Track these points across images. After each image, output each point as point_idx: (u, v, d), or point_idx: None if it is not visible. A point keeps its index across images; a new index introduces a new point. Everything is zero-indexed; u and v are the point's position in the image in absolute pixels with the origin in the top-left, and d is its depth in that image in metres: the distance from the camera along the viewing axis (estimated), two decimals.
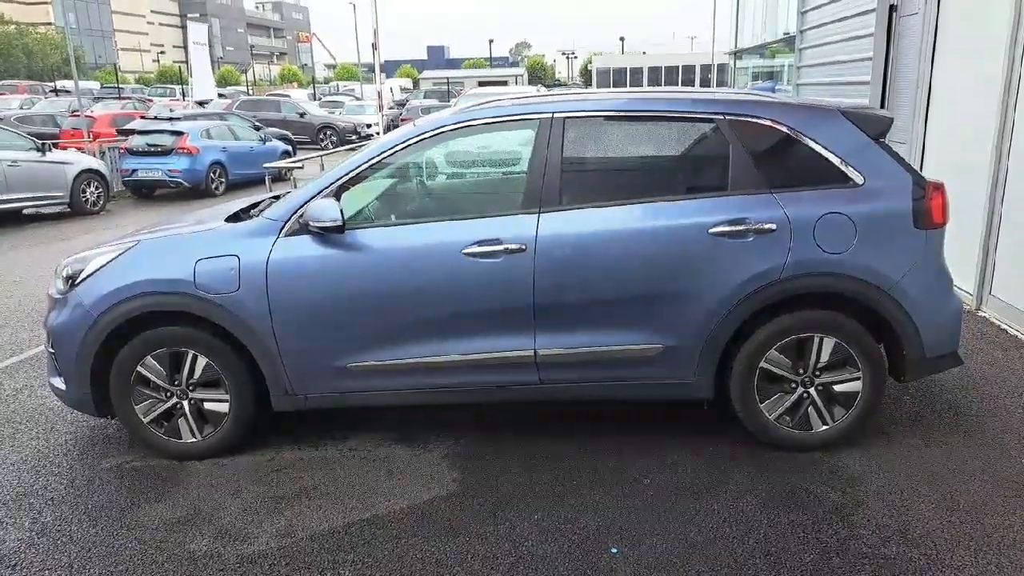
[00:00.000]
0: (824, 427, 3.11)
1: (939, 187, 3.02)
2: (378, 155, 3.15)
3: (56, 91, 30.55)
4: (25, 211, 10.06)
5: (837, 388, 3.07)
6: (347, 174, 3.11)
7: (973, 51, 5.15)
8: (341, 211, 2.94)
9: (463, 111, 3.27)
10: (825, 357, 3.03)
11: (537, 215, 2.98)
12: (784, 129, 3.02)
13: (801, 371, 3.06)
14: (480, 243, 2.96)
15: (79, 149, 11.97)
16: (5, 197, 9.38)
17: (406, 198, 3.79)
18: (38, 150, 9.87)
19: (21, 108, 21.84)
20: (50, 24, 65.65)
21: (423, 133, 3.15)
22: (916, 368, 3.08)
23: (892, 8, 6.32)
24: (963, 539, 2.54)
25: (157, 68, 65.60)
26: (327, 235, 3.00)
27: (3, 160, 9.31)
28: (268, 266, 3.00)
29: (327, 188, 3.07)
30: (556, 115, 3.09)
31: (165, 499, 2.93)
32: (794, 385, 3.08)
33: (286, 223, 3.05)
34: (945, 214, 3.03)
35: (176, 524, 2.76)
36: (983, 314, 4.90)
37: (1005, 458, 3.06)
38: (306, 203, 3.03)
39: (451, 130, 3.17)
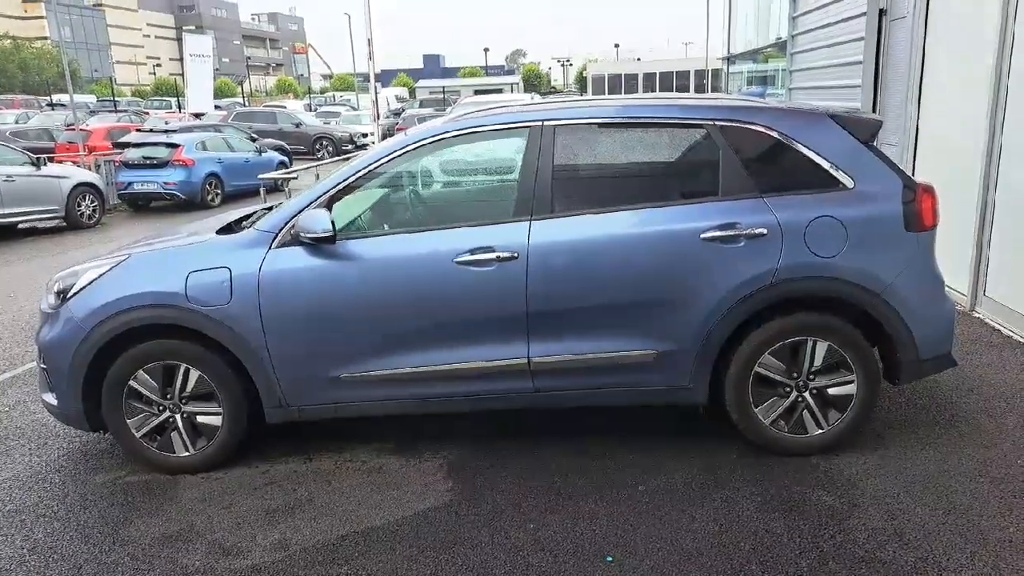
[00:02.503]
0: (819, 431, 3.10)
1: (929, 190, 3.03)
2: (369, 165, 3.15)
3: (52, 105, 30.62)
4: (20, 225, 10.05)
5: (831, 392, 3.07)
6: (338, 184, 3.11)
7: (963, 53, 5.19)
8: (332, 221, 2.94)
9: (454, 120, 3.28)
10: (819, 361, 3.03)
11: (529, 223, 2.99)
12: (774, 134, 3.03)
13: (795, 375, 3.06)
14: (472, 251, 2.95)
15: (74, 163, 11.98)
16: (0, 212, 9.37)
17: (398, 207, 3.79)
18: (33, 164, 9.88)
19: (16, 122, 21.88)
20: (46, 38, 65.82)
21: (414, 143, 3.16)
22: (910, 371, 3.08)
23: (882, 12, 6.36)
24: (959, 542, 2.53)
25: (153, 81, 65.75)
26: (319, 246, 3.00)
27: None
28: (260, 278, 2.99)
29: (318, 199, 3.08)
30: (547, 123, 3.10)
31: (158, 514, 2.92)
32: (788, 389, 3.08)
33: (278, 234, 3.05)
34: (935, 216, 3.04)
35: (169, 539, 2.74)
36: (977, 315, 4.91)
37: (1001, 460, 3.06)
38: (297, 214, 3.03)
39: (442, 139, 3.17)
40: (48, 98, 35.91)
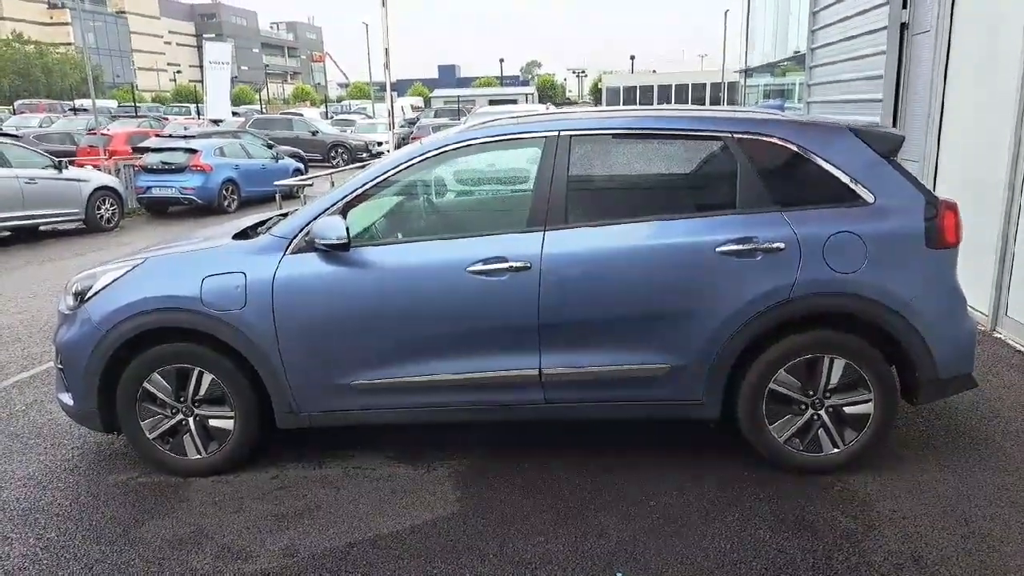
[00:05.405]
0: (835, 450, 3.05)
1: (952, 206, 2.99)
2: (384, 173, 3.16)
3: (75, 110, 31.14)
4: (42, 227, 10.21)
5: (848, 410, 3.02)
6: (353, 192, 3.12)
7: (987, 68, 5.13)
8: (347, 229, 2.95)
9: (469, 130, 3.28)
10: (835, 378, 2.98)
11: (542, 233, 2.98)
12: (793, 147, 3.00)
13: (811, 392, 3.01)
14: (485, 261, 2.95)
15: (95, 167, 12.16)
16: (22, 213, 9.53)
17: (412, 216, 3.80)
18: (55, 167, 10.04)
19: (40, 126, 22.25)
20: (70, 44, 67.13)
21: (429, 152, 3.17)
22: (929, 391, 3.02)
23: (903, 26, 6.31)
24: (978, 567, 2.47)
25: (173, 87, 66.78)
26: (333, 252, 3.01)
27: (21, 177, 9.47)
28: (274, 283, 3.01)
29: (333, 206, 3.09)
30: (562, 133, 3.10)
31: (169, 516, 2.92)
32: (804, 407, 3.03)
33: (292, 240, 3.07)
34: (958, 234, 2.99)
35: (179, 541, 2.75)
36: (998, 335, 4.82)
37: (1022, 482, 2.99)
38: (312, 221, 3.05)
39: (457, 149, 3.18)
40: (71, 103, 36.51)
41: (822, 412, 3.03)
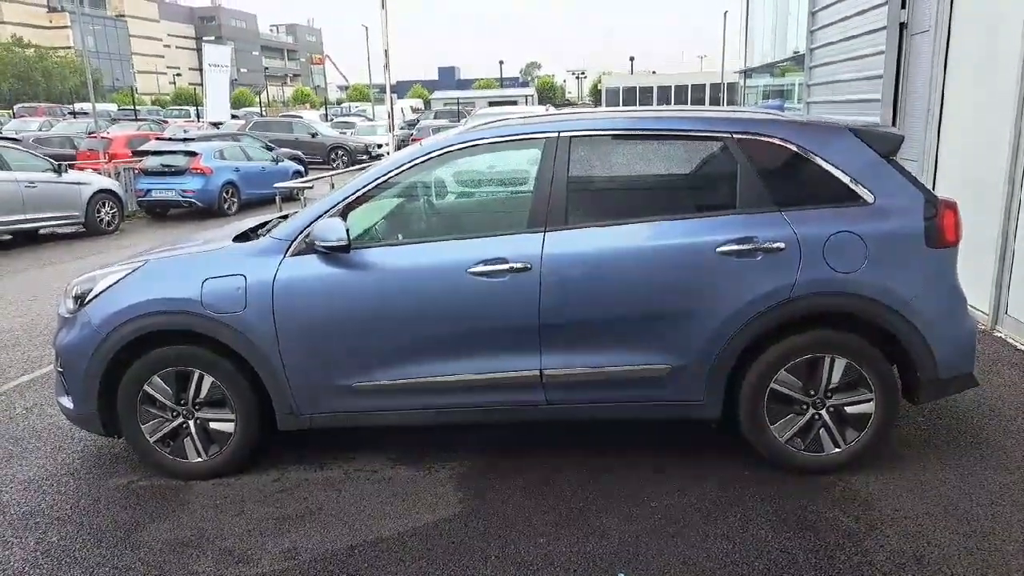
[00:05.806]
0: (836, 450, 3.05)
1: (951, 205, 2.99)
2: (384, 175, 3.16)
3: (74, 113, 31.16)
4: (41, 231, 10.21)
5: (849, 410, 3.02)
6: (353, 194, 3.12)
7: (986, 67, 5.13)
8: (347, 230, 2.95)
9: (469, 131, 3.29)
10: (836, 378, 2.98)
11: (543, 234, 2.98)
12: (793, 147, 3.01)
13: (812, 392, 3.01)
14: (485, 262, 2.95)
15: (95, 170, 12.16)
16: (22, 217, 9.53)
17: (412, 217, 3.80)
18: (55, 171, 10.03)
19: (40, 130, 22.26)
20: (70, 48, 67.19)
21: (429, 153, 3.17)
22: (930, 390, 3.02)
23: (902, 26, 6.32)
24: (980, 566, 2.47)
25: (173, 90, 66.82)
26: (333, 254, 3.01)
27: (21, 181, 9.48)
28: (274, 285, 3.01)
29: (333, 208, 3.09)
30: (562, 134, 3.10)
31: (170, 519, 2.92)
32: (805, 406, 3.03)
33: (292, 242, 3.07)
34: (958, 233, 2.99)
35: (180, 545, 2.74)
36: (999, 334, 4.82)
37: None
38: (312, 223, 3.05)
39: (457, 150, 3.18)
40: (71, 106, 36.51)
41: (823, 412, 3.03)
